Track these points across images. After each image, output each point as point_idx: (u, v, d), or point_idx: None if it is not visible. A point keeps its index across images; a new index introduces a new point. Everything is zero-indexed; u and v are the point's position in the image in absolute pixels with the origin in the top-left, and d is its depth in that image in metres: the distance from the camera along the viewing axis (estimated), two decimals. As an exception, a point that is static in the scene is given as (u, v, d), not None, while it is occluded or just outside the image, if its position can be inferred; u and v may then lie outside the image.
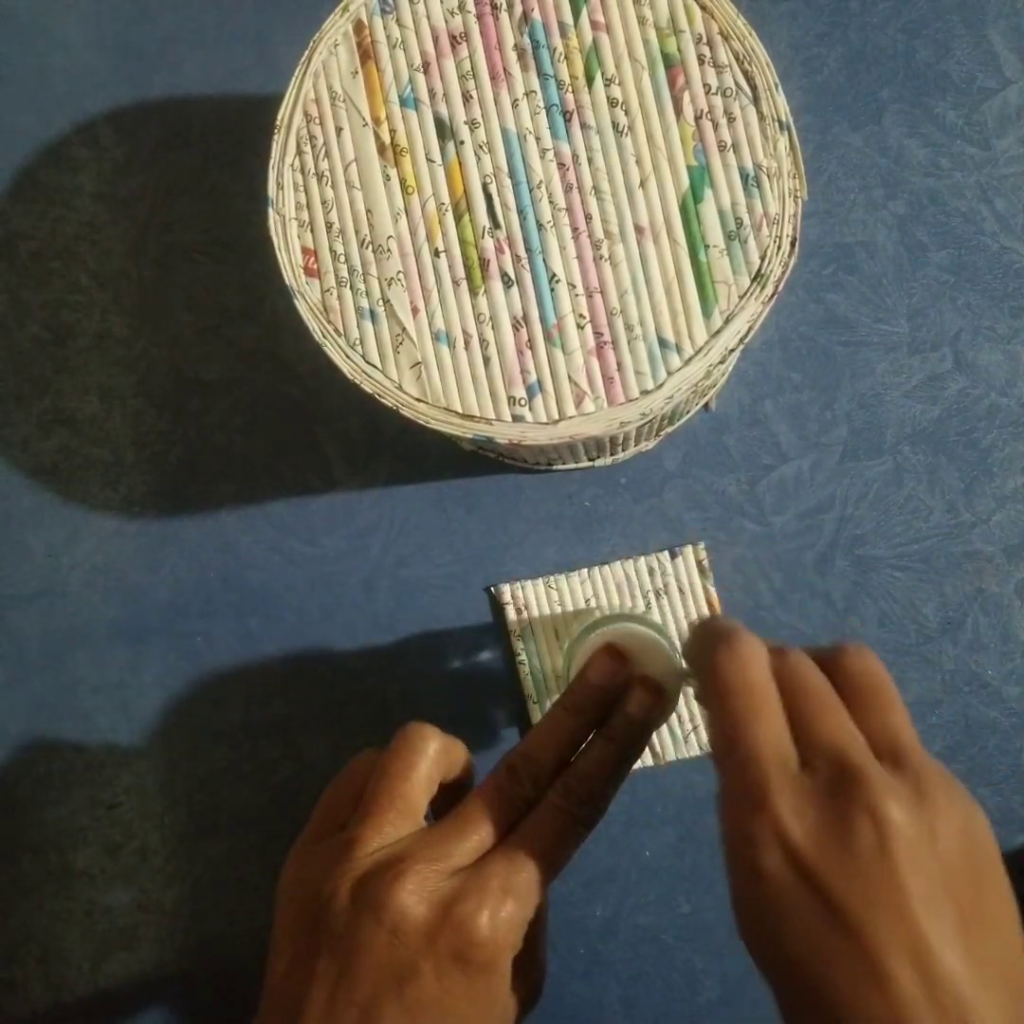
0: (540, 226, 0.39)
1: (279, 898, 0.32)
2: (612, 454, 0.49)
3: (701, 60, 0.39)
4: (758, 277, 0.38)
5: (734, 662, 0.30)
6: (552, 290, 0.39)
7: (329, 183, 0.40)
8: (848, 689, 0.30)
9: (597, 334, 0.39)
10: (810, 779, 0.28)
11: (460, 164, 0.39)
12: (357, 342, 0.39)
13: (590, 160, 0.39)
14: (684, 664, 0.38)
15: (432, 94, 0.39)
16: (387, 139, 0.39)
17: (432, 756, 0.33)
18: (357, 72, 0.40)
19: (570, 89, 0.39)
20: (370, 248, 0.39)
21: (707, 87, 0.39)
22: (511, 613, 0.50)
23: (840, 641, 0.32)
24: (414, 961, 0.29)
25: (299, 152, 0.40)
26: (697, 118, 0.39)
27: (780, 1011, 0.28)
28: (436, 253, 0.39)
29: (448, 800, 0.34)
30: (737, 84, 0.39)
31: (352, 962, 0.30)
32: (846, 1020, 0.26)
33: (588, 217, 0.39)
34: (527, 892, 0.31)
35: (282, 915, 0.32)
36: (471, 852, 0.31)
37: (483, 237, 0.39)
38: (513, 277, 0.39)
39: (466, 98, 0.39)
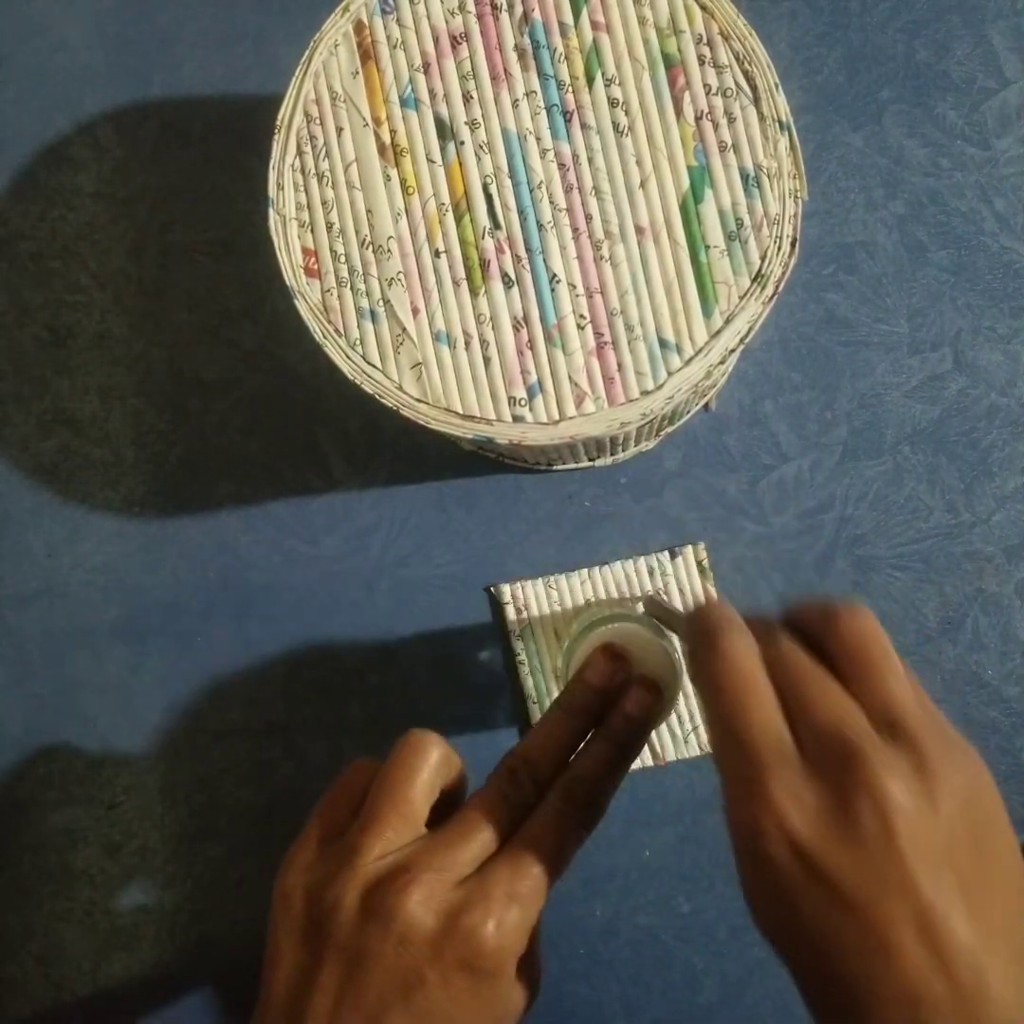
0: (540, 226, 0.39)
1: (277, 904, 0.32)
2: (612, 454, 0.49)
3: (701, 60, 0.39)
4: (758, 277, 0.38)
5: (722, 659, 0.30)
6: (552, 290, 0.39)
7: (329, 183, 0.40)
8: (840, 654, 0.30)
9: (597, 334, 0.39)
10: (807, 763, 0.28)
11: (460, 164, 0.39)
12: (357, 342, 0.39)
13: (590, 160, 0.39)
14: (684, 664, 0.38)
15: (432, 94, 0.39)
16: (387, 139, 0.39)
17: (435, 763, 0.33)
18: (357, 72, 0.40)
19: (570, 89, 0.39)
20: (370, 248, 0.39)
21: (707, 87, 0.39)
22: (511, 613, 0.50)
23: (830, 601, 0.31)
24: (420, 970, 0.29)
25: (299, 152, 0.40)
26: (697, 118, 0.39)
27: (800, 993, 0.29)
28: (436, 253, 0.39)
29: (440, 808, 0.34)
30: (737, 84, 0.39)
31: (358, 971, 0.30)
32: (861, 997, 0.27)
33: (588, 217, 0.39)
34: (531, 897, 0.31)
35: (282, 921, 0.32)
36: (476, 858, 0.31)
37: (483, 237, 0.39)
38: (513, 277, 0.39)
39: (466, 98, 0.39)
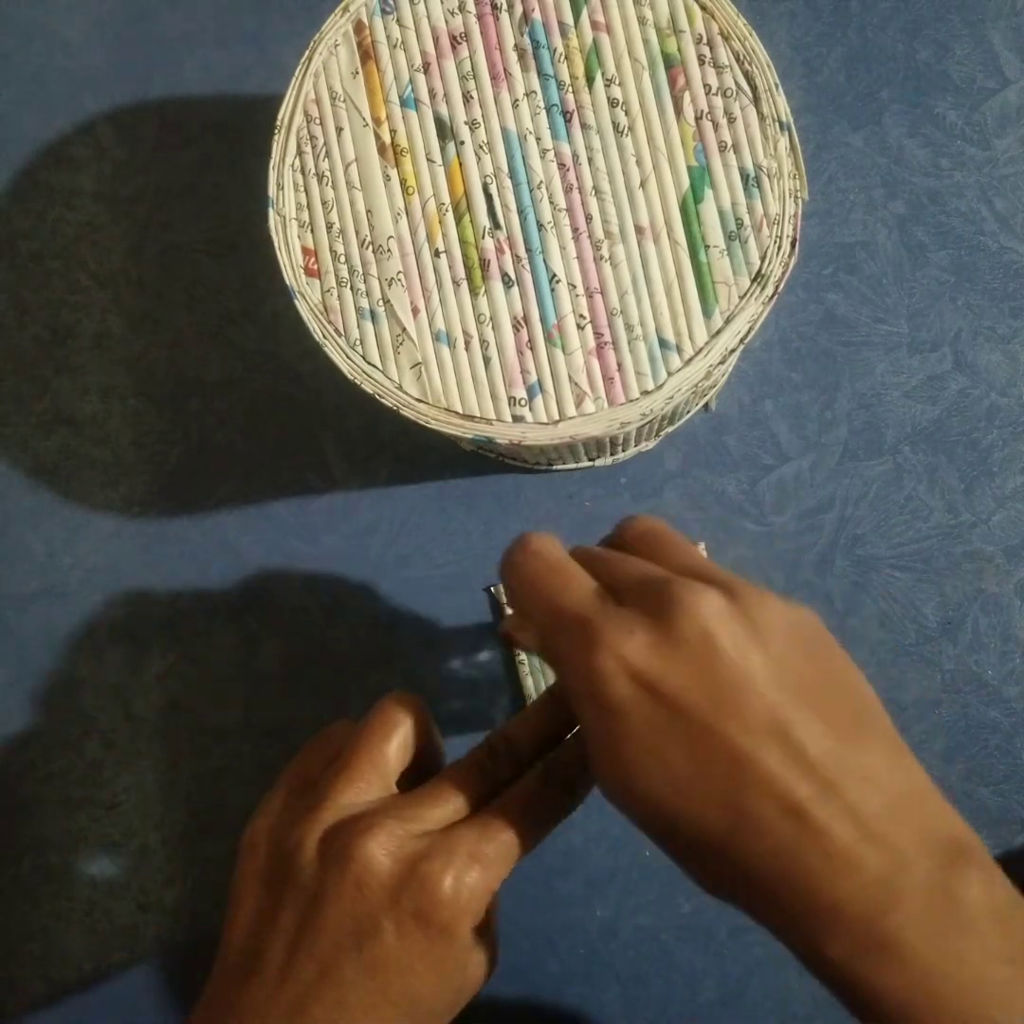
0: (540, 226, 0.39)
1: (243, 848, 0.32)
2: (612, 454, 0.49)
3: (701, 60, 0.39)
4: (758, 277, 0.38)
5: (530, 552, 0.32)
6: (552, 290, 0.39)
7: (329, 183, 0.40)
8: (637, 549, 0.32)
9: (597, 334, 0.39)
10: (627, 608, 0.29)
11: (460, 164, 0.39)
12: (357, 342, 0.39)
13: (590, 160, 0.39)
14: None
15: (432, 94, 0.39)
16: (387, 139, 0.39)
17: (413, 724, 0.33)
18: (357, 72, 0.40)
19: (570, 89, 0.39)
20: (370, 248, 0.39)
21: (707, 87, 0.39)
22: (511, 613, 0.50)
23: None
24: (376, 917, 0.29)
25: (299, 152, 0.40)
26: (697, 118, 0.39)
27: (684, 865, 0.29)
28: (436, 253, 0.39)
29: (414, 778, 0.34)
30: (737, 84, 0.39)
31: (314, 915, 0.30)
32: (730, 821, 0.27)
33: (588, 217, 0.39)
34: (494, 862, 0.31)
35: (246, 865, 0.32)
36: (443, 820, 0.31)
37: (483, 237, 0.39)
38: (513, 277, 0.39)
39: (466, 98, 0.39)
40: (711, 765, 0.27)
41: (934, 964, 0.25)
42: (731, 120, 0.38)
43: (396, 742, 0.33)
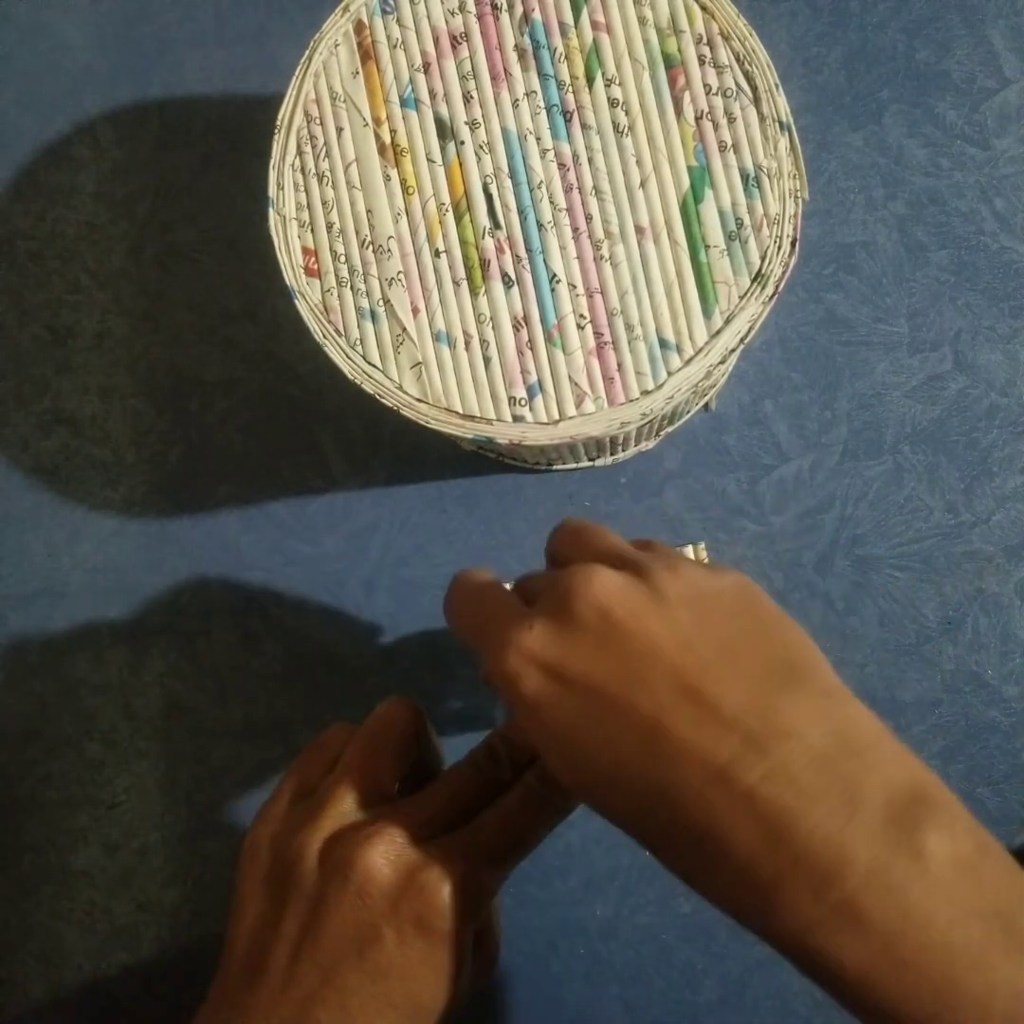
0: (540, 226, 0.39)
1: (245, 855, 0.33)
2: (612, 454, 0.49)
3: (702, 60, 0.39)
4: (758, 277, 0.38)
5: (455, 582, 0.34)
6: (552, 290, 0.39)
7: (329, 183, 0.40)
8: (562, 551, 0.33)
9: (597, 334, 0.39)
10: (531, 608, 0.30)
11: (460, 164, 0.39)
12: (357, 342, 0.39)
13: (590, 160, 0.39)
14: None
15: (432, 94, 0.39)
16: (387, 139, 0.39)
17: (412, 730, 0.34)
18: (357, 72, 0.40)
19: (570, 89, 0.39)
20: (370, 248, 0.39)
21: (708, 87, 0.39)
22: (511, 613, 0.50)
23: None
24: (377, 925, 0.30)
25: (299, 152, 0.40)
26: (697, 118, 0.39)
27: (632, 832, 0.29)
28: (436, 253, 0.39)
29: (414, 783, 0.34)
30: (737, 84, 0.39)
31: (316, 922, 0.30)
32: (667, 788, 0.26)
33: (588, 217, 0.39)
34: (492, 867, 0.31)
35: (249, 871, 0.32)
36: (443, 825, 0.32)
37: (483, 237, 0.39)
38: (513, 277, 0.39)
39: (466, 98, 0.39)
40: (628, 740, 0.26)
41: (897, 927, 0.23)
42: (731, 120, 0.38)
43: (393, 749, 0.33)
